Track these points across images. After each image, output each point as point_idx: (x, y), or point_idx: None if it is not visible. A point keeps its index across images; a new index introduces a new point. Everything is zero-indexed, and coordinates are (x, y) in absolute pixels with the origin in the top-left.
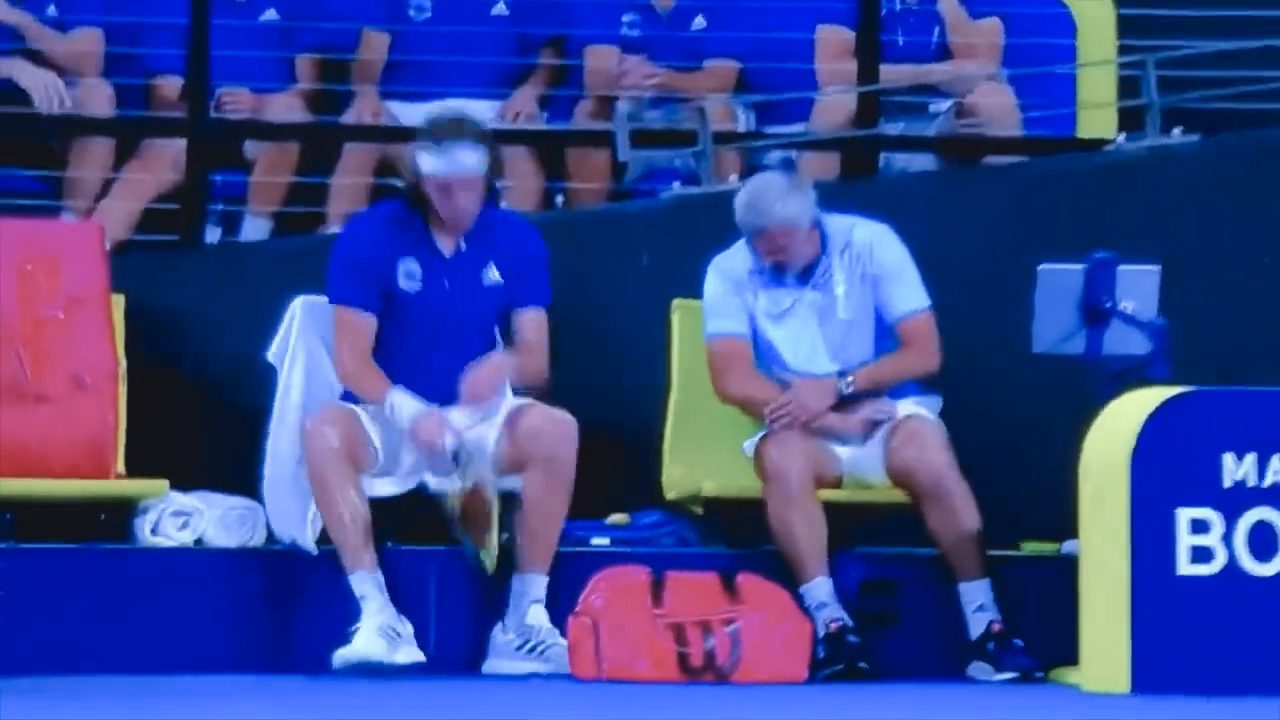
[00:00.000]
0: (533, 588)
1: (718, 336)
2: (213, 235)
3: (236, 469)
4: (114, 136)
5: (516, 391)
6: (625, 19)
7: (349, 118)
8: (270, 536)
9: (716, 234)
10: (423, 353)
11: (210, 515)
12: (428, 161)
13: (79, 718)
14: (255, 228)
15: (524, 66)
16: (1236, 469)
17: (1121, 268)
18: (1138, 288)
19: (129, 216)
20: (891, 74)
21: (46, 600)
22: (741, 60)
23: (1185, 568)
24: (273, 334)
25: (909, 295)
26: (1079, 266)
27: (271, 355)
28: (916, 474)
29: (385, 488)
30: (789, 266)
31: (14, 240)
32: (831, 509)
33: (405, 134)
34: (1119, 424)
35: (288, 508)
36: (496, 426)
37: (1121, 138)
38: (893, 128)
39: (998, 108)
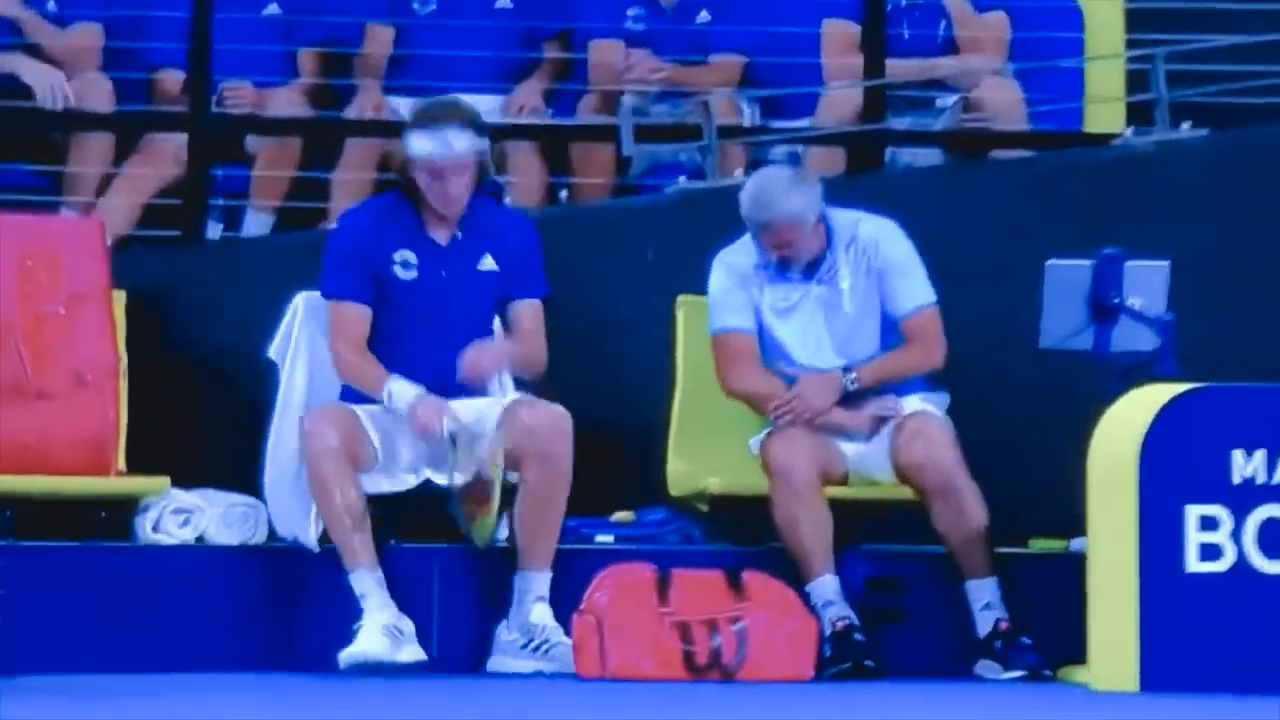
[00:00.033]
0: (536, 585)
1: (723, 331)
2: (214, 231)
3: (238, 466)
4: (115, 131)
5: (516, 382)
6: (630, 13)
7: (351, 112)
8: (272, 534)
9: (722, 229)
10: (420, 341)
11: (212, 513)
12: (418, 144)
13: (79, 718)
14: (257, 223)
15: (528, 61)
16: (1246, 466)
17: (1129, 263)
18: (1146, 283)
19: (130, 212)
20: (897, 68)
21: (47, 598)
22: (747, 54)
23: (1194, 565)
24: (274, 330)
25: (914, 290)
26: (1087, 262)
27: (273, 352)
28: (923, 471)
29: (384, 486)
30: (794, 261)
31: (15, 236)
32: (838, 506)
33: None
34: (1127, 421)
35: (289, 505)
36: (494, 415)
37: (1129, 132)
38: (899, 122)
39: (1004, 102)
